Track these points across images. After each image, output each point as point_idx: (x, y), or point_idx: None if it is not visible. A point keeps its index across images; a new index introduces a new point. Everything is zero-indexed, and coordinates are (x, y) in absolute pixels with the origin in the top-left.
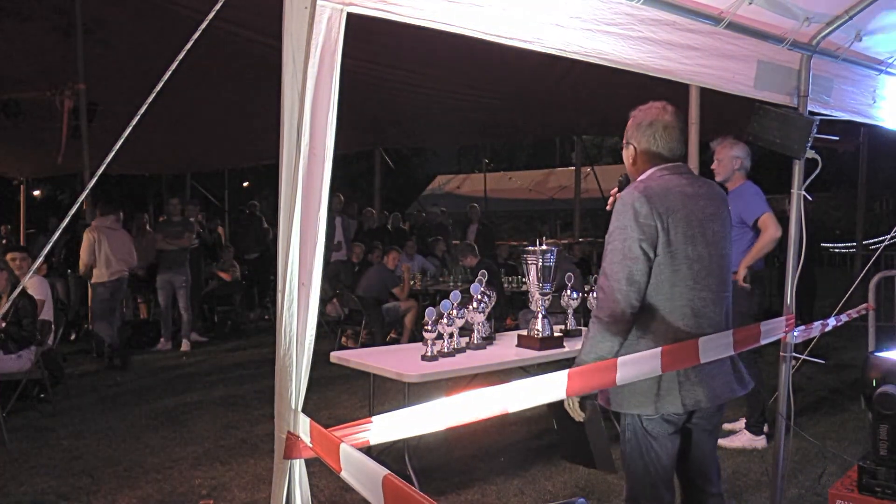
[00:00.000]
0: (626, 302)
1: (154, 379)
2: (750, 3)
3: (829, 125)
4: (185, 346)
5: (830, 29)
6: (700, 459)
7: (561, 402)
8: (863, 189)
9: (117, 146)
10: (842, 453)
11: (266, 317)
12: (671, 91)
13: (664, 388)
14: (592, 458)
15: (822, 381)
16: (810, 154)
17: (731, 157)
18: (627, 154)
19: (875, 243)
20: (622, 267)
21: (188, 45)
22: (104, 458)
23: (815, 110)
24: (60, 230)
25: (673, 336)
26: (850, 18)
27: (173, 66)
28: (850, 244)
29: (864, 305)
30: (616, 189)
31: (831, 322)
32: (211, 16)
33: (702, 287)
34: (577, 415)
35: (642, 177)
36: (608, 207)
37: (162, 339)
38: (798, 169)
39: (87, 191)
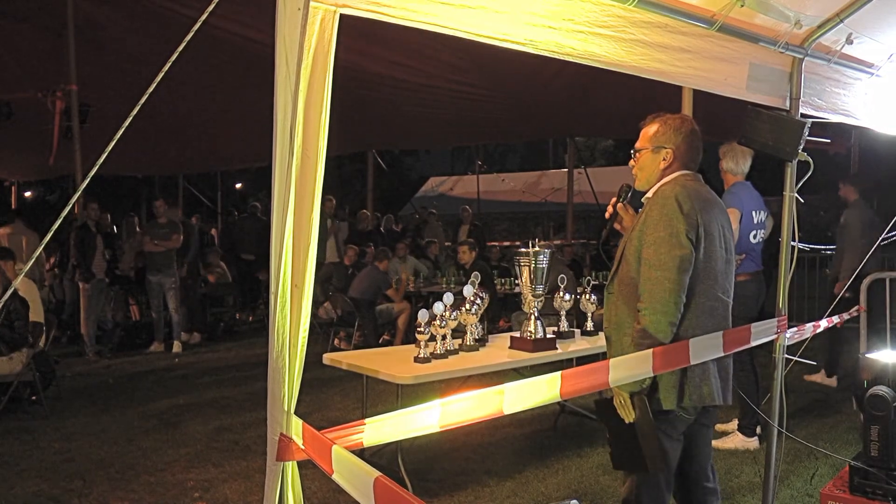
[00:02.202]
0: (680, 289)
1: (146, 381)
2: (742, 6)
3: (821, 127)
4: (176, 347)
5: (822, 32)
6: (699, 456)
7: (608, 405)
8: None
9: (109, 148)
10: (833, 454)
11: (262, 318)
12: (664, 93)
13: (684, 381)
14: (645, 461)
15: (814, 383)
16: (802, 156)
17: (719, 160)
18: (657, 158)
19: None
20: (671, 257)
21: (181, 47)
22: (96, 461)
23: (807, 113)
24: (51, 233)
25: (691, 333)
26: (841, 21)
27: (166, 68)
28: None
29: (855, 308)
30: (615, 198)
31: (823, 323)
32: (204, 17)
33: (722, 289)
34: (630, 413)
35: (667, 179)
36: (607, 215)
37: (154, 342)
38: (790, 171)
39: (80, 192)
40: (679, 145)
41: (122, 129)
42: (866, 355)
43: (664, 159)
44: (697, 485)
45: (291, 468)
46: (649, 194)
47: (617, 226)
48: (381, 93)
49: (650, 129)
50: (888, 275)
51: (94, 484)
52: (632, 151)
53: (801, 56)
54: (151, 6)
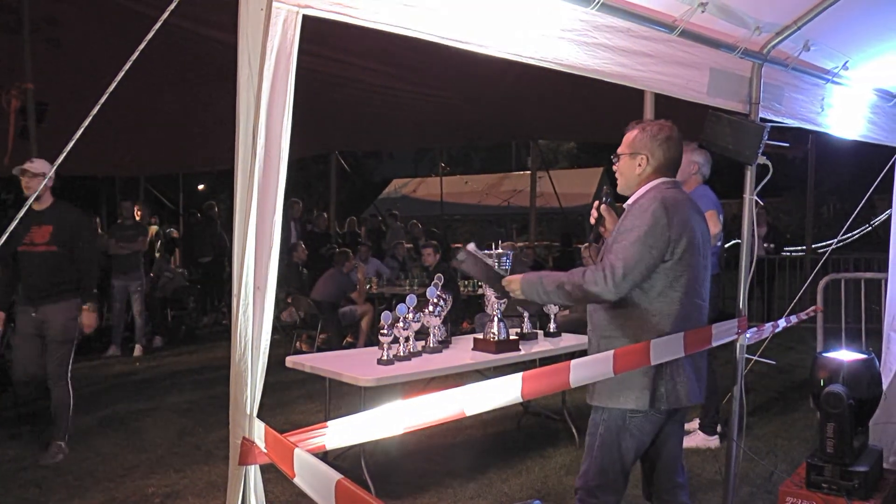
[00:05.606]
0: (613, 290)
1: (105, 385)
2: (703, 12)
3: (780, 132)
4: (137, 350)
5: (780, 38)
6: (671, 452)
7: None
8: (811, 194)
9: (68, 148)
10: (791, 451)
11: (224, 321)
12: (626, 97)
13: (658, 383)
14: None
15: (773, 382)
16: (762, 160)
17: (689, 161)
18: (633, 163)
19: (823, 247)
20: (622, 264)
21: (142, 45)
22: (53, 468)
23: (767, 117)
24: (7, 234)
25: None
26: (799, 28)
27: (127, 66)
28: (799, 248)
29: (812, 308)
30: (598, 202)
31: (782, 323)
32: (165, 15)
33: (695, 294)
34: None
35: (648, 186)
36: (591, 220)
37: (112, 346)
38: (750, 174)
39: (38, 193)
40: (654, 151)
41: (81, 130)
42: (822, 354)
43: (639, 164)
44: (668, 479)
45: (254, 472)
46: (629, 202)
47: (602, 229)
48: (343, 94)
49: (630, 135)
50: (843, 276)
51: (51, 492)
52: (612, 156)
53: (760, 62)
54: (111, 4)
